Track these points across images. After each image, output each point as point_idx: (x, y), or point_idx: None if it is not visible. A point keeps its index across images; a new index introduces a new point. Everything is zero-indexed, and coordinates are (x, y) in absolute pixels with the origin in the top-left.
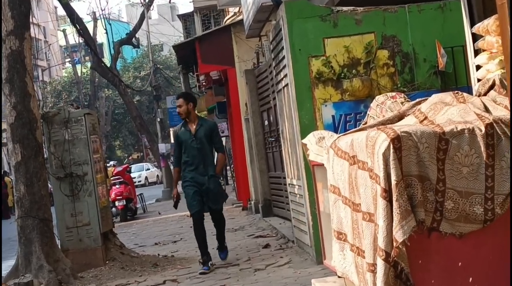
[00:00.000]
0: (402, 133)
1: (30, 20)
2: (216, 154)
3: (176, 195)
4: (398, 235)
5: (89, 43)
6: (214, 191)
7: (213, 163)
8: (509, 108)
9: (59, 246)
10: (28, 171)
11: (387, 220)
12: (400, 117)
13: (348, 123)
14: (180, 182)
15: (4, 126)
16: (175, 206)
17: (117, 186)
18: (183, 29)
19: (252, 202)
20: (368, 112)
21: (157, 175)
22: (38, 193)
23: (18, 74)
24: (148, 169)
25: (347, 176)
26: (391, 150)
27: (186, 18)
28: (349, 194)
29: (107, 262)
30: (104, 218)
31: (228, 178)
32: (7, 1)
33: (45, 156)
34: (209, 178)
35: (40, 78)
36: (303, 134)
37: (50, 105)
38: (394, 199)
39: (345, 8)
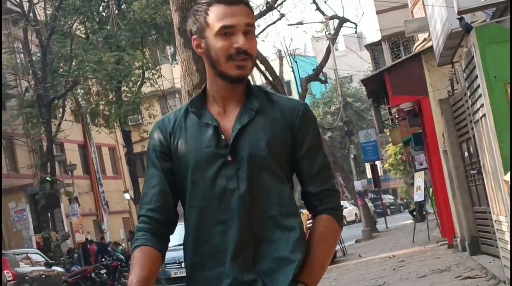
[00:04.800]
0: None
1: None
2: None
3: None
4: None
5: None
6: None
7: (299, 242)
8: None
9: None
10: None
11: None
12: None
13: None
14: None
15: None
16: None
17: None
18: (371, 59)
19: (458, 239)
20: None
21: (355, 214)
22: None
23: None
24: (346, 208)
25: None
26: None
27: (373, 48)
28: None
29: None
30: None
31: (430, 212)
32: None
33: None
34: None
35: None
36: (506, 168)
37: None
38: None
39: None
